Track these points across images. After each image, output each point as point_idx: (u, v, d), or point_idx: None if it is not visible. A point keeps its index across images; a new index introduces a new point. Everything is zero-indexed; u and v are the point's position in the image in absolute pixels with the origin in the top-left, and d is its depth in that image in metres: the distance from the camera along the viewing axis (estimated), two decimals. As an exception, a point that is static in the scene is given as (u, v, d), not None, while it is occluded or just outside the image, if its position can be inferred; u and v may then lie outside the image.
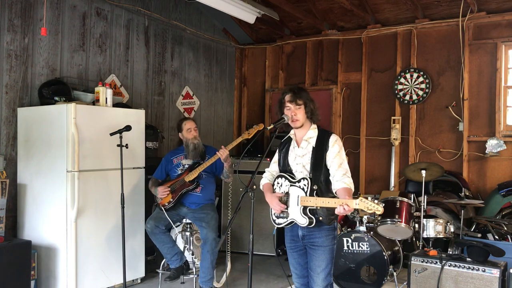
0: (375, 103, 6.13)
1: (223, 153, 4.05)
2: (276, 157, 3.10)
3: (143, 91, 5.57)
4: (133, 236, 4.43)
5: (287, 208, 2.86)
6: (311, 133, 2.92)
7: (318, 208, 2.75)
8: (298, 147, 2.93)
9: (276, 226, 2.98)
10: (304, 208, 2.78)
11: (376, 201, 2.54)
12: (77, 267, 3.94)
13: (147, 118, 5.12)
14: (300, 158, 2.90)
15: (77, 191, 3.87)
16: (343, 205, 2.56)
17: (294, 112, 2.87)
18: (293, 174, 2.91)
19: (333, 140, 2.86)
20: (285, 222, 2.89)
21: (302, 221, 2.79)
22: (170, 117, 5.95)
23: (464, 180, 5.34)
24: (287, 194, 2.88)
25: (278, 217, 2.93)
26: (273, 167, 3.11)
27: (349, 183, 2.75)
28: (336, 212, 2.63)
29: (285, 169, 2.96)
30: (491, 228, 4.82)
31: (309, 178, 2.80)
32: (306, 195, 2.78)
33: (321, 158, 2.83)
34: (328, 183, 2.83)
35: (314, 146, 2.87)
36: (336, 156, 2.81)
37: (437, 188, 5.32)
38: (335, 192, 2.78)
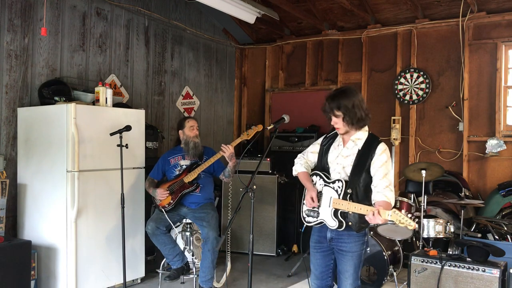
0: (375, 103, 6.12)
1: (226, 150, 4.01)
2: (316, 148, 2.97)
3: (143, 91, 5.57)
4: (133, 236, 4.44)
5: (318, 208, 2.80)
6: (360, 135, 2.79)
7: (350, 213, 2.67)
8: (344, 146, 2.82)
9: (306, 224, 2.90)
10: (336, 210, 2.70)
11: (409, 215, 2.50)
12: (77, 267, 3.94)
13: (147, 118, 5.12)
14: (342, 158, 2.78)
15: (77, 191, 3.87)
16: (373, 212, 2.48)
17: (335, 121, 2.78)
18: (328, 174, 2.83)
19: (381, 148, 2.73)
20: (314, 221, 2.83)
21: (332, 223, 2.72)
22: (170, 117, 5.95)
23: (464, 180, 5.34)
24: (320, 193, 2.81)
25: (308, 215, 2.86)
26: (311, 156, 2.98)
27: (391, 197, 2.62)
28: (366, 218, 2.56)
29: (322, 167, 2.87)
30: (491, 228, 4.81)
31: (344, 180, 2.71)
32: (339, 197, 2.70)
33: (364, 163, 2.71)
34: (367, 190, 2.72)
35: (360, 149, 2.75)
36: (383, 166, 2.68)
37: (437, 188, 5.32)
38: (374, 203, 2.65)
